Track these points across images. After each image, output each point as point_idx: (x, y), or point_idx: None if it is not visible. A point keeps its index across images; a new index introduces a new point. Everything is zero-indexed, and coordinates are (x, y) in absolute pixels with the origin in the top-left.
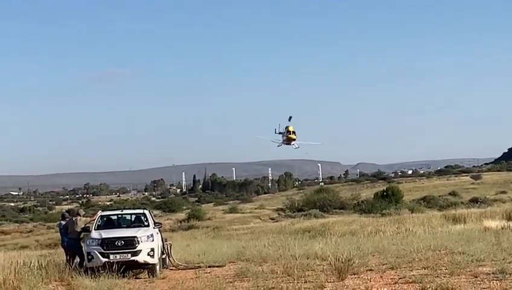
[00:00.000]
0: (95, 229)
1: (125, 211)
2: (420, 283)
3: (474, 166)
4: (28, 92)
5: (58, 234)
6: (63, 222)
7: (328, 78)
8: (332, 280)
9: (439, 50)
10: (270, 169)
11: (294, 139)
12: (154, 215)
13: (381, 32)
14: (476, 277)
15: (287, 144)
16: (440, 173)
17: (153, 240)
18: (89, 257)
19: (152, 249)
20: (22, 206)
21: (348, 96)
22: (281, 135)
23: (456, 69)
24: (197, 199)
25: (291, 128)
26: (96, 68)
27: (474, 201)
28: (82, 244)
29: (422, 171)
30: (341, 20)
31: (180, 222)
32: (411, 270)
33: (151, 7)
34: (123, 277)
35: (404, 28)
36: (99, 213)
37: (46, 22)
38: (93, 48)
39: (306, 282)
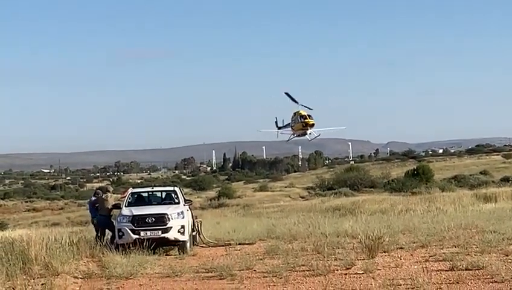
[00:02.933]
0: (125, 206)
1: (155, 188)
2: (451, 261)
3: (505, 145)
4: (58, 70)
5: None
6: (94, 198)
7: (358, 56)
8: (362, 258)
9: (468, 29)
10: (300, 147)
11: (313, 125)
12: (185, 193)
13: (411, 11)
14: (507, 255)
15: (300, 135)
16: (471, 152)
17: (183, 217)
18: (120, 233)
19: (182, 226)
20: (53, 183)
21: (378, 74)
22: (285, 128)
23: (489, 47)
24: (227, 177)
25: (303, 112)
26: (128, 47)
27: (505, 180)
28: (113, 221)
29: (453, 150)
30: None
31: (211, 200)
32: (442, 249)
33: None
34: (153, 253)
35: (433, 6)
36: (130, 190)
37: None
38: (123, 27)
39: (336, 260)
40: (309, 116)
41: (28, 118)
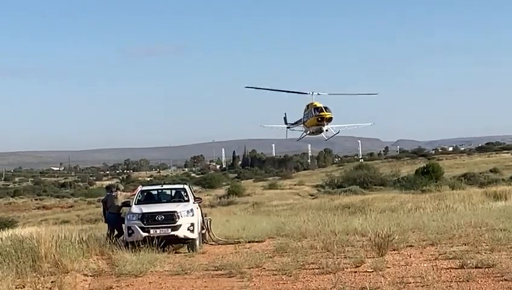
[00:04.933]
0: (135, 204)
1: (165, 186)
2: (460, 259)
3: None
4: (67, 68)
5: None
6: (109, 193)
7: (370, 53)
8: (372, 256)
9: (479, 26)
10: (309, 145)
11: (330, 119)
12: (194, 191)
13: (419, 7)
14: None
15: (315, 132)
16: (481, 149)
17: (193, 215)
18: (129, 231)
19: (192, 224)
20: (63, 181)
21: (388, 71)
22: (295, 125)
23: (498, 44)
24: (236, 175)
25: (318, 104)
26: (138, 44)
27: None
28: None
29: (463, 148)
30: None
31: (220, 197)
32: (451, 247)
33: None
34: (163, 251)
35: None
36: (140, 188)
37: None
38: (133, 24)
39: (346, 257)
40: (325, 108)
41: (38, 115)
